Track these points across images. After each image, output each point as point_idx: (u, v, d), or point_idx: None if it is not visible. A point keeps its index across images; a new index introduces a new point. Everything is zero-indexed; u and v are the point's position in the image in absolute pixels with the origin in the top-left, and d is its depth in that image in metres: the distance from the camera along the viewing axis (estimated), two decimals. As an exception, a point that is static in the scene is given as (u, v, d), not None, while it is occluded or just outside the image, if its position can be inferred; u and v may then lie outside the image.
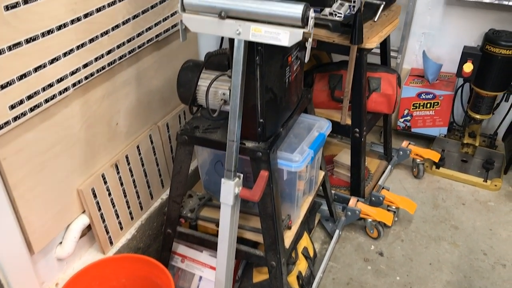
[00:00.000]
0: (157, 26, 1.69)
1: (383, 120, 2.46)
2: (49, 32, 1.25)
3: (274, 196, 1.48)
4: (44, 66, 1.27)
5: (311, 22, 1.15)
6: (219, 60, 1.52)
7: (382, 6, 1.78)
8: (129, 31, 1.55)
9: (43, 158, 1.37)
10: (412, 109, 2.66)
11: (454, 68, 2.61)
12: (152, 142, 1.84)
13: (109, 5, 1.44)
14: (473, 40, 2.54)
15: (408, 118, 2.69)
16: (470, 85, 2.41)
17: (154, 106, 1.84)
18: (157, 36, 1.70)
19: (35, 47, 1.22)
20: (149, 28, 1.65)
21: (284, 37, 1.17)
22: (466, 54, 2.26)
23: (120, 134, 1.68)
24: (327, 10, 1.31)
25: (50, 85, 1.30)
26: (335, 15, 1.29)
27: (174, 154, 1.99)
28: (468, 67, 2.26)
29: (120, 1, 1.47)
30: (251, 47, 1.28)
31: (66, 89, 1.36)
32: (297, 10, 1.14)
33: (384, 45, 2.20)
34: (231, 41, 1.30)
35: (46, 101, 1.30)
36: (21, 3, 1.15)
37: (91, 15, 1.37)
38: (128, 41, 1.56)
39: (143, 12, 1.59)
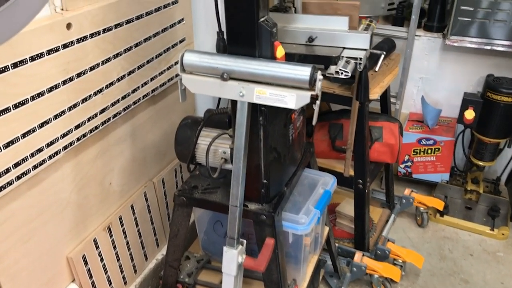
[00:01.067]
0: (153, 81, 1.63)
1: (385, 167, 2.39)
2: (40, 94, 1.18)
3: (280, 262, 1.38)
4: (33, 130, 1.18)
5: (319, 84, 1.08)
6: (219, 117, 1.46)
7: (383, 56, 1.74)
8: (124, 87, 1.48)
9: (30, 227, 1.26)
10: (413, 155, 2.60)
11: (453, 113, 2.59)
12: (146, 200, 1.74)
13: (103, 62, 1.37)
14: (471, 85, 2.52)
15: (409, 164, 2.63)
16: (472, 131, 2.37)
17: (149, 162, 1.75)
18: (153, 90, 1.64)
19: (23, 111, 1.14)
20: (145, 83, 1.59)
21: (290, 100, 1.11)
22: (467, 101, 2.23)
23: (114, 194, 1.58)
24: (332, 68, 1.26)
25: (39, 150, 1.21)
26: (341, 73, 1.24)
27: (169, 210, 1.89)
28: (469, 114, 2.22)
29: (114, 58, 1.41)
30: (254, 107, 1.22)
31: (56, 153, 1.27)
32: (304, 72, 1.08)
33: (385, 93, 2.16)
34: (234, 101, 1.24)
35: (35, 167, 1.21)
36: (10, 67, 1.08)
37: (84, 74, 1.31)
38: (123, 98, 1.49)
39: (138, 68, 1.53)
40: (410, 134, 2.55)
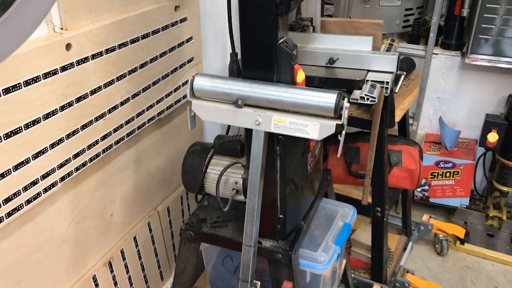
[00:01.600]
0: (160, 103, 1.52)
1: (402, 191, 2.26)
2: (35, 122, 1.07)
3: (297, 305, 1.25)
4: (27, 162, 1.07)
5: (345, 113, 0.97)
6: (231, 144, 1.34)
7: (403, 76, 1.63)
8: (127, 111, 1.37)
9: (23, 267, 1.14)
10: (430, 178, 2.47)
11: (472, 134, 2.47)
12: (150, 231, 1.62)
13: (106, 85, 1.26)
14: (492, 105, 2.40)
15: (426, 187, 2.50)
16: (494, 153, 2.24)
17: (153, 189, 1.63)
18: (159, 114, 1.53)
19: (16, 141, 1.03)
20: (151, 106, 1.48)
21: (313, 130, 0.99)
22: (490, 123, 2.11)
23: (115, 225, 1.46)
24: (357, 93, 1.15)
25: (34, 183, 1.10)
26: (368, 99, 1.12)
27: (175, 240, 1.77)
28: (493, 137, 2.10)
29: (118, 80, 1.30)
30: (271, 136, 1.10)
31: (52, 185, 1.16)
32: (329, 99, 0.97)
33: (404, 115, 2.04)
34: (248, 129, 1.12)
35: (28, 201, 1.09)
36: (1, 93, 0.97)
37: (84, 98, 1.20)
38: (127, 122, 1.38)
39: (144, 90, 1.43)
40: (428, 156, 2.43)
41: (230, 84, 1.05)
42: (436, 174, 2.46)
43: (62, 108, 1.13)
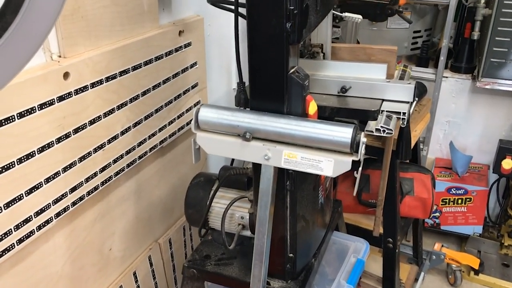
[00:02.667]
0: (162, 131, 1.45)
1: (413, 219, 2.17)
2: (29, 156, 1.00)
3: None
4: (19, 198, 1.00)
5: (362, 148, 0.90)
6: (237, 176, 1.27)
7: (415, 102, 1.56)
8: (128, 141, 1.31)
9: (13, 310, 1.06)
10: (441, 205, 2.39)
11: (484, 159, 2.40)
12: (151, 264, 1.54)
13: (106, 114, 1.20)
14: (504, 130, 2.33)
15: (437, 214, 2.41)
16: (508, 180, 2.16)
17: (155, 220, 1.56)
18: (161, 142, 1.46)
19: (8, 177, 0.96)
20: (153, 135, 1.41)
21: (327, 167, 0.92)
22: (504, 150, 2.03)
23: (114, 261, 1.38)
24: (372, 125, 1.08)
25: (27, 220, 1.02)
26: (384, 131, 1.05)
27: (177, 273, 1.68)
28: (507, 164, 2.02)
29: (119, 109, 1.24)
30: (281, 170, 1.03)
31: (47, 222, 1.08)
32: (344, 134, 0.90)
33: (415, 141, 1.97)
34: (256, 163, 1.05)
35: (20, 241, 1.02)
36: (-8, 127, 0.90)
37: (83, 129, 1.13)
38: (127, 152, 1.31)
39: (146, 118, 1.36)
40: (439, 182, 2.34)
41: (238, 116, 0.98)
42: (447, 200, 2.37)
43: (59, 140, 1.07)
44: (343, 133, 0.90)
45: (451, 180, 2.35)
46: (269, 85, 0.96)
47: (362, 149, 0.90)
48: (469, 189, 2.30)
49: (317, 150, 0.94)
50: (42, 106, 1.00)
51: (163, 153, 1.54)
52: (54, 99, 1.03)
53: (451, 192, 2.35)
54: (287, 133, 0.94)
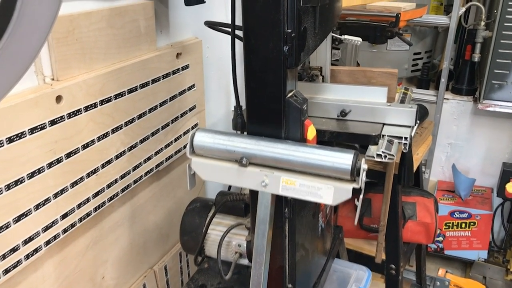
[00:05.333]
0: (158, 155, 1.42)
1: (416, 244, 2.12)
2: (18, 182, 0.96)
3: None
4: (7, 226, 0.96)
5: (362, 175, 0.86)
6: (233, 202, 1.23)
7: (417, 126, 1.53)
8: (123, 165, 1.27)
9: None
10: (445, 229, 2.33)
11: (488, 182, 2.36)
12: (146, 293, 1.48)
13: (100, 138, 1.17)
14: (507, 153, 2.29)
15: (441, 238, 2.36)
16: (512, 204, 2.12)
17: (149, 247, 1.51)
18: (157, 165, 1.42)
19: (-5, 204, 0.92)
20: (149, 158, 1.38)
21: (327, 194, 0.88)
22: (508, 173, 2.00)
23: (106, 289, 1.33)
24: (372, 150, 1.05)
25: (14, 250, 0.98)
26: (385, 157, 1.02)
27: (172, 301, 1.62)
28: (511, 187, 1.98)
29: (113, 133, 1.21)
30: (279, 197, 0.99)
31: (36, 250, 1.04)
32: (344, 160, 0.87)
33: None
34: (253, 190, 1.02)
35: (7, 271, 0.97)
36: (-21, 152, 0.87)
37: (75, 153, 1.10)
38: (122, 177, 1.28)
39: (141, 141, 1.33)
40: (442, 205, 2.30)
41: (234, 141, 0.95)
42: (451, 224, 2.32)
43: (50, 165, 1.03)
44: (343, 159, 0.87)
45: (454, 204, 2.30)
46: (267, 109, 0.93)
47: (363, 176, 0.86)
48: (473, 212, 2.25)
49: (316, 177, 0.90)
50: (33, 131, 0.98)
51: (159, 177, 1.50)
52: (45, 123, 1.00)
53: (454, 216, 2.30)
54: (285, 158, 0.91)
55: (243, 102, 1.00)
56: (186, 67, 1.48)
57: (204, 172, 0.98)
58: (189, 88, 1.53)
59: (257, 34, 0.88)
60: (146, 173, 1.38)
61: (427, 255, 2.41)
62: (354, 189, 0.88)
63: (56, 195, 1.07)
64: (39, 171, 1.01)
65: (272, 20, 0.86)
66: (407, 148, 1.06)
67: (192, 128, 1.59)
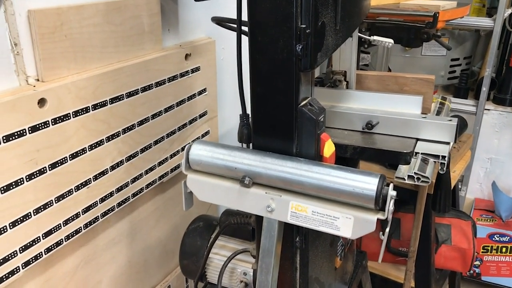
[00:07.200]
0: (162, 165, 1.29)
1: (450, 271, 1.92)
2: (-10, 196, 0.85)
3: None
4: (-24, 246, 0.84)
5: (390, 204, 0.70)
6: (239, 225, 1.08)
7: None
8: (120, 176, 1.15)
9: None
10: (482, 252, 2.12)
11: (532, 202, 2.13)
12: (146, 317, 1.35)
13: (92, 147, 1.04)
14: (556, 170, 2.06)
15: (477, 263, 2.14)
16: (562, 230, 1.89)
17: (152, 265, 1.38)
18: (161, 177, 1.29)
19: (-39, 221, 0.81)
20: (151, 169, 1.25)
21: (345, 225, 0.72)
22: (558, 194, 1.77)
23: (100, 313, 1.20)
24: (403, 170, 0.88)
25: (-15, 272, 0.86)
26: (419, 179, 0.85)
27: (176, 325, 1.49)
28: (562, 211, 1.75)
29: (109, 141, 1.09)
30: (289, 224, 0.83)
31: (12, 273, 0.92)
32: (368, 184, 0.70)
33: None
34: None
35: (-25, 297, 0.86)
36: None
37: (61, 164, 0.98)
38: (119, 190, 1.15)
39: (142, 151, 1.20)
40: (479, 227, 2.08)
41: (236, 156, 0.80)
42: (489, 248, 2.10)
43: (30, 177, 0.91)
44: (366, 183, 0.70)
45: (494, 225, 2.09)
46: (275, 120, 0.78)
47: (390, 205, 0.70)
48: (515, 236, 2.03)
49: (333, 204, 0.74)
50: (8, 138, 0.86)
51: (164, 189, 1.37)
52: (25, 129, 0.88)
53: (493, 239, 2.08)
54: (295, 179, 0.75)
55: (249, 111, 0.85)
56: (196, 70, 1.35)
57: (200, 192, 0.84)
58: (200, 93, 1.39)
59: (265, 30, 0.73)
60: (147, 185, 1.25)
61: (462, 280, 2.19)
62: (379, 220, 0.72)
63: (37, 211, 0.94)
64: (17, 183, 0.89)
65: (282, 13, 0.71)
66: (444, 169, 0.88)
67: (203, 136, 1.46)
